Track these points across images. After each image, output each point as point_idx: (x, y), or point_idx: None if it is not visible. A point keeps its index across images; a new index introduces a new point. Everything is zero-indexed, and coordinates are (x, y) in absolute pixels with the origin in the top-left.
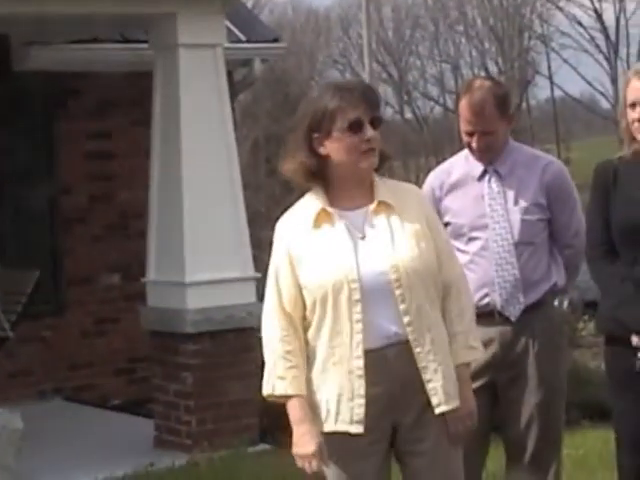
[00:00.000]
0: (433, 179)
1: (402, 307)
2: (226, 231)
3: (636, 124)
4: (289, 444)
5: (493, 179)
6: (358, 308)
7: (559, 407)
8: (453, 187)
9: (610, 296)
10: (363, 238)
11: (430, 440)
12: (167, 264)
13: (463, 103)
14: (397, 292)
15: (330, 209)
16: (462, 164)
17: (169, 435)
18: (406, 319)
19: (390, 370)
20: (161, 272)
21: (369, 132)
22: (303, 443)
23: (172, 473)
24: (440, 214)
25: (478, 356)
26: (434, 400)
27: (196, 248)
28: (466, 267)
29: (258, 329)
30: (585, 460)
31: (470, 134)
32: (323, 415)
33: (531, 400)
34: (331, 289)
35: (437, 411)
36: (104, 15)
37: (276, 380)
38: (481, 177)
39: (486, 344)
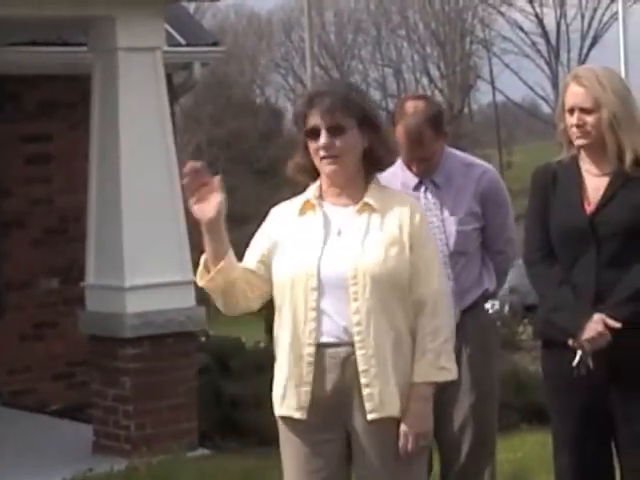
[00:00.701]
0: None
1: (354, 305)
2: (165, 235)
3: (574, 129)
4: (228, 449)
5: (429, 189)
6: (314, 296)
7: (492, 410)
8: None
9: (548, 300)
10: (339, 234)
11: (375, 451)
12: (106, 268)
13: (399, 130)
14: (351, 289)
15: (314, 200)
16: (399, 174)
17: (108, 440)
18: (355, 318)
19: (339, 369)
20: (100, 276)
21: (322, 140)
22: None
23: (111, 478)
24: None
25: (449, 378)
26: (367, 406)
27: (135, 252)
28: None
29: (198, 333)
30: (524, 463)
31: (409, 159)
32: (276, 398)
33: (464, 403)
34: (292, 275)
35: (369, 417)
36: (42, 18)
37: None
38: (417, 188)
39: None
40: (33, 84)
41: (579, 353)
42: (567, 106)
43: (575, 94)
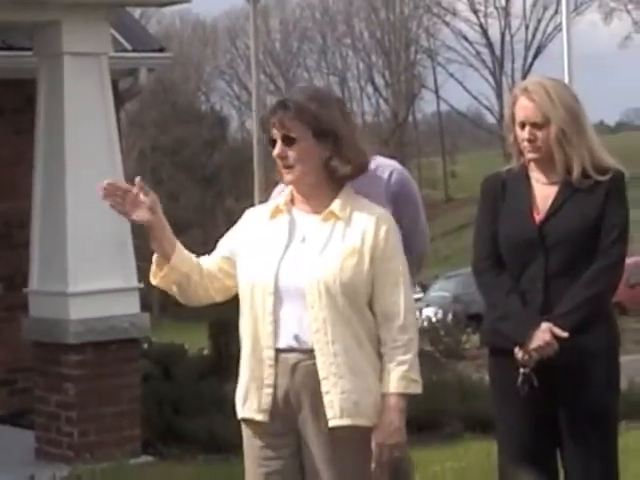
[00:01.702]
0: (276, 195)
1: (311, 313)
2: (109, 241)
3: (525, 143)
4: (171, 456)
5: None
6: (270, 300)
7: None
8: None
9: (495, 308)
10: (303, 241)
11: (325, 461)
12: (50, 274)
13: None
14: (308, 298)
15: (283, 206)
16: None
17: (50, 447)
18: (314, 326)
19: (288, 375)
20: (44, 282)
21: (276, 150)
22: None
23: None
24: None
25: (418, 391)
26: (328, 413)
27: (79, 258)
28: None
29: (141, 340)
30: (467, 473)
31: None
32: (238, 401)
33: None
34: (252, 279)
35: (330, 424)
36: None
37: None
38: None
39: None
40: None
41: (522, 371)
42: (517, 119)
43: (525, 108)
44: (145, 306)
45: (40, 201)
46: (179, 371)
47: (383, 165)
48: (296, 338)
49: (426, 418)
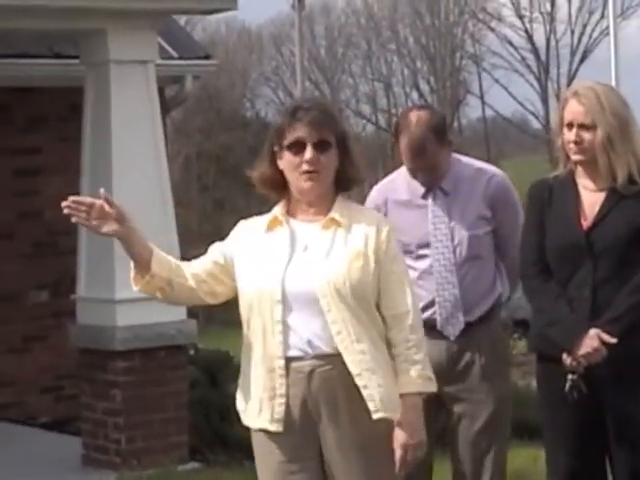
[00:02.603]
0: (376, 195)
1: (329, 316)
2: (157, 247)
3: (571, 145)
4: (218, 462)
5: (437, 196)
6: (279, 309)
7: (507, 421)
8: (397, 204)
9: (543, 314)
10: (305, 250)
11: (353, 462)
12: (97, 281)
13: (403, 142)
14: (322, 301)
15: (282, 217)
16: (406, 181)
17: (98, 453)
18: (334, 328)
19: (305, 383)
20: (91, 289)
21: (308, 154)
22: None
23: None
24: None
25: (433, 389)
26: (371, 405)
27: (126, 265)
28: (415, 284)
29: (188, 347)
30: (516, 478)
31: (414, 169)
32: (249, 411)
33: (480, 414)
34: (258, 290)
35: (375, 417)
36: (33, 30)
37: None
38: (425, 195)
39: (432, 355)
40: (23, 96)
41: (570, 377)
42: (566, 121)
43: (574, 111)
44: (192, 313)
45: None
46: (225, 378)
47: (484, 168)
48: (309, 344)
49: None
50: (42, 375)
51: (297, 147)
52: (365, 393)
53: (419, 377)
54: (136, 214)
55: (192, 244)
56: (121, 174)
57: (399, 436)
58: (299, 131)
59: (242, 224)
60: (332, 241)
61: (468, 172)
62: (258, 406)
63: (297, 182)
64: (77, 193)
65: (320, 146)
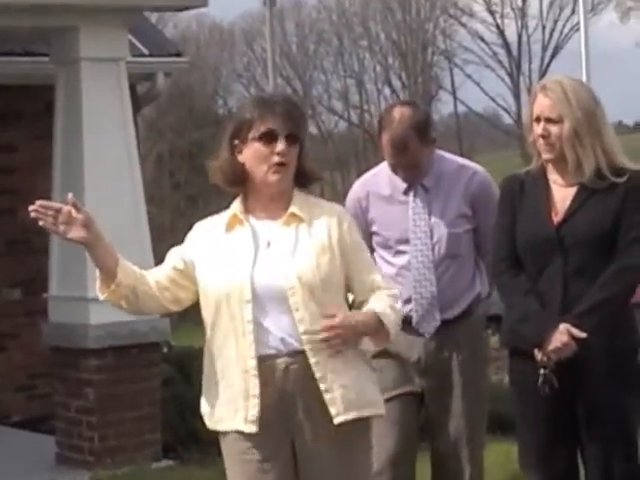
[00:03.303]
0: (359, 189)
1: (297, 315)
2: (128, 245)
3: (540, 140)
4: (192, 460)
5: (418, 193)
6: (249, 308)
7: (484, 418)
8: (379, 198)
9: (514, 310)
10: (268, 246)
11: (328, 457)
12: (69, 279)
13: (385, 138)
14: (291, 300)
15: (241, 215)
16: (388, 176)
17: (71, 452)
18: (301, 328)
19: (280, 381)
20: (63, 287)
21: (280, 146)
22: None
23: None
24: (367, 223)
25: (392, 332)
26: (332, 410)
27: None
28: (393, 280)
29: (162, 344)
30: (487, 473)
31: (395, 166)
32: (220, 414)
33: (457, 411)
34: (226, 290)
35: (336, 421)
36: (4, 28)
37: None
38: (407, 191)
39: (410, 351)
40: None
41: (542, 372)
42: (534, 116)
43: (541, 105)
44: None
45: None
46: (199, 375)
47: (467, 165)
48: (282, 341)
49: None
50: (15, 373)
51: (268, 138)
52: (327, 397)
53: (387, 308)
54: (108, 212)
55: (165, 241)
56: (93, 172)
57: (340, 316)
58: (271, 122)
59: (198, 226)
60: (296, 237)
61: (450, 169)
62: (233, 408)
63: (264, 175)
64: (50, 191)
65: (290, 139)
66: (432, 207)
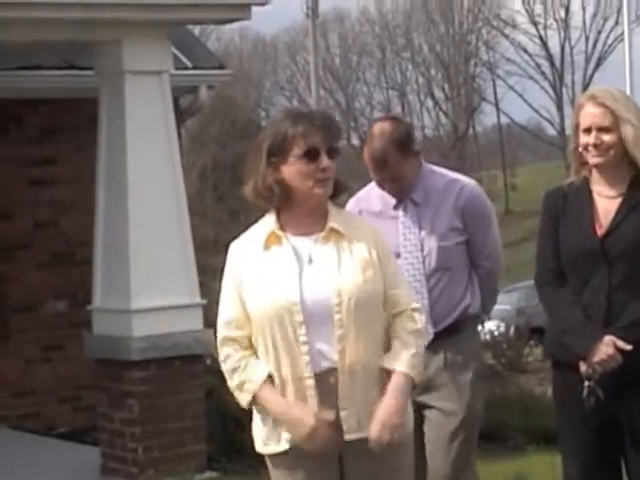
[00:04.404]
0: (352, 206)
1: (339, 333)
2: (173, 257)
3: (590, 148)
4: (235, 471)
5: (408, 207)
6: (302, 330)
7: (475, 431)
8: (371, 215)
9: (558, 321)
10: (310, 263)
11: (367, 467)
12: (113, 291)
13: (365, 153)
14: (336, 317)
15: (280, 232)
16: (378, 192)
17: (115, 463)
18: (339, 346)
19: (333, 395)
20: (107, 299)
21: (325, 161)
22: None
23: None
24: None
25: (418, 377)
26: (344, 427)
27: (142, 275)
28: None
29: (205, 356)
30: None
31: (379, 181)
32: (278, 434)
33: (448, 423)
34: (276, 312)
35: (346, 438)
36: (48, 42)
37: (238, 394)
38: (396, 206)
39: None
40: (38, 108)
41: (586, 384)
42: (583, 126)
43: (593, 114)
44: (208, 322)
45: (103, 218)
46: None
47: (456, 179)
48: (330, 359)
49: (489, 431)
50: (60, 385)
51: (311, 154)
52: (342, 415)
53: (412, 359)
54: (152, 224)
55: (208, 254)
56: (136, 184)
57: (378, 414)
58: (313, 139)
59: (234, 248)
60: (338, 252)
61: (440, 183)
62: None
63: (308, 190)
64: (92, 203)
65: (333, 153)
66: (422, 221)
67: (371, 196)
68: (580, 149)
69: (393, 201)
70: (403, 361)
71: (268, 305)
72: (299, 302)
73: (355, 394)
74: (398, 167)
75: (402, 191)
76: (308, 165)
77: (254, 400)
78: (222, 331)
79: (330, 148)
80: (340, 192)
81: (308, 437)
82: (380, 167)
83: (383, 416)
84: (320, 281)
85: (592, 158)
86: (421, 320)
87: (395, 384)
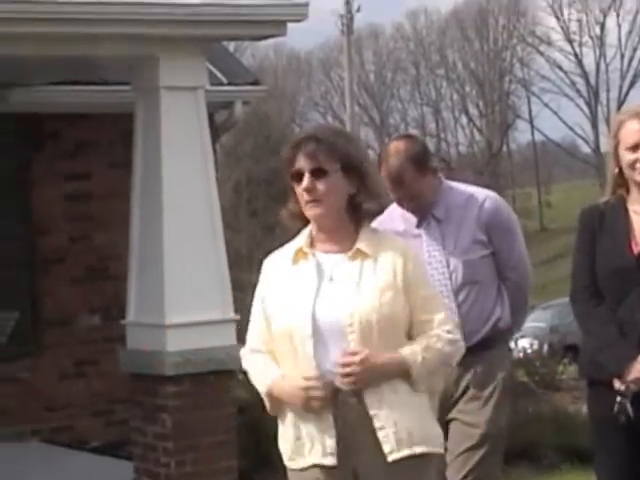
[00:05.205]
0: (377, 226)
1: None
2: (206, 273)
3: (638, 165)
4: None
5: (430, 224)
6: (310, 344)
7: (498, 447)
8: (396, 235)
9: (593, 339)
10: (331, 280)
11: None
12: (147, 306)
13: (383, 172)
14: (350, 337)
15: (307, 249)
16: (400, 212)
17: (148, 478)
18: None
19: (343, 415)
20: (141, 314)
21: (304, 183)
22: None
23: None
24: None
25: (419, 384)
26: (385, 448)
27: (176, 290)
28: None
29: (238, 371)
30: None
31: (398, 199)
32: (296, 450)
33: (470, 435)
34: (290, 325)
35: (389, 459)
36: (84, 57)
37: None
38: (419, 224)
39: None
40: (72, 122)
41: (618, 400)
42: (628, 143)
43: (637, 131)
44: (241, 337)
45: (137, 233)
46: None
47: (477, 193)
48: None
49: (522, 449)
50: (94, 399)
51: (298, 177)
52: (380, 435)
53: (416, 350)
54: (186, 239)
55: (242, 269)
56: (171, 199)
57: (367, 357)
58: (297, 161)
59: (267, 265)
60: (360, 272)
61: (460, 199)
62: (309, 443)
63: (305, 211)
64: (126, 218)
65: (317, 173)
66: (445, 236)
67: (394, 217)
68: (624, 167)
69: (415, 219)
70: (410, 349)
71: (284, 318)
72: (310, 317)
73: (388, 411)
74: (415, 184)
75: (421, 208)
76: (297, 187)
77: (270, 396)
78: (248, 344)
79: (314, 169)
80: (361, 212)
81: (304, 390)
82: (397, 185)
83: (364, 358)
84: (336, 300)
85: (638, 176)
86: (456, 332)
87: (394, 357)
